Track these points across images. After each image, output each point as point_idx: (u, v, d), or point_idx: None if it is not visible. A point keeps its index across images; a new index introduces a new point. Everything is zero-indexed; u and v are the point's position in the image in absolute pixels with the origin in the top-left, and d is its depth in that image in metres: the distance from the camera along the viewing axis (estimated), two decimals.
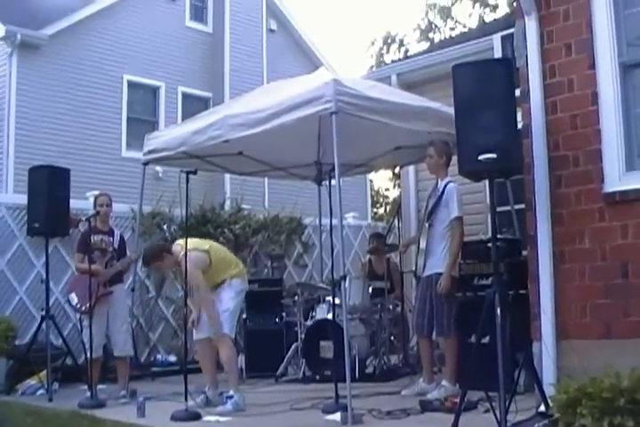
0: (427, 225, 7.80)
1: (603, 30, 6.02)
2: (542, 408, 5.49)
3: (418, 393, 7.50)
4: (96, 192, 9.65)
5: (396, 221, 9.58)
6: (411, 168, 11.85)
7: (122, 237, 8.83)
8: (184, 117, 17.23)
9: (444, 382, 7.41)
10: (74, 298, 8.41)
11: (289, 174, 10.98)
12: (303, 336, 9.42)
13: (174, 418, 6.71)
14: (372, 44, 37.01)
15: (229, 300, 7.60)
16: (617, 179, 5.87)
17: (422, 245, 7.82)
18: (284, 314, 10.16)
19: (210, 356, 7.72)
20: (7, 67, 16.87)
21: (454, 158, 6.36)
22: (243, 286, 7.84)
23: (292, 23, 22.61)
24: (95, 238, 8.46)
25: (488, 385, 5.55)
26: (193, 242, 7.53)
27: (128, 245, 8.92)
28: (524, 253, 7.10)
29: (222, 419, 6.69)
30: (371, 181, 26.03)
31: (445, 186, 7.64)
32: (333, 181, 7.27)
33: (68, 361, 9.20)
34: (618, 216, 5.80)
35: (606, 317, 5.76)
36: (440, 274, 7.48)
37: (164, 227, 11.47)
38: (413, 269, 8.12)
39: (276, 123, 7.51)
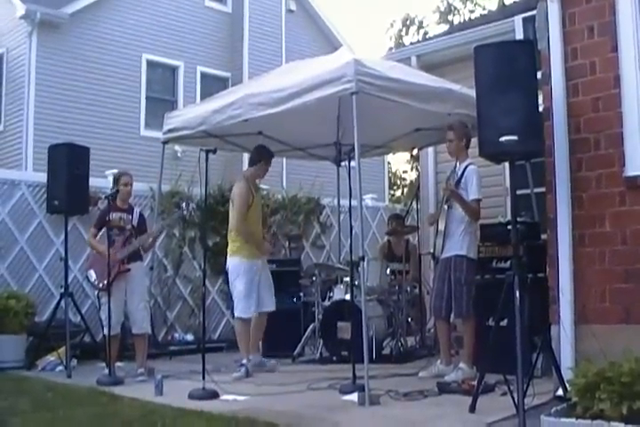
0: (445, 207, 7.77)
1: (626, 13, 5.98)
2: (560, 392, 5.51)
3: (435, 375, 7.51)
4: (115, 171, 9.66)
5: (415, 203, 9.57)
6: (430, 150, 11.83)
7: (141, 215, 8.79)
8: (202, 97, 17.25)
9: (461, 365, 7.41)
10: (92, 275, 8.45)
11: (308, 155, 10.98)
12: (321, 317, 9.45)
13: (192, 396, 6.74)
14: (391, 25, 37.05)
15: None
16: (638, 162, 5.83)
17: (441, 226, 7.80)
18: (301, 294, 10.17)
19: None
20: (27, 45, 16.95)
21: (474, 140, 6.32)
22: None
23: (311, 4, 22.54)
24: (114, 216, 8.46)
25: (506, 368, 5.55)
26: None
27: (147, 223, 8.92)
28: (543, 236, 7.09)
29: (239, 398, 6.72)
30: (388, 163, 25.96)
31: (465, 168, 7.61)
32: (353, 162, 7.25)
33: (87, 338, 9.28)
34: (639, 200, 5.77)
35: (626, 301, 5.75)
36: (459, 256, 7.48)
37: (183, 205, 11.49)
38: (431, 250, 8.11)
39: (296, 102, 7.51)
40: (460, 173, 7.63)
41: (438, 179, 11.68)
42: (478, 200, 7.53)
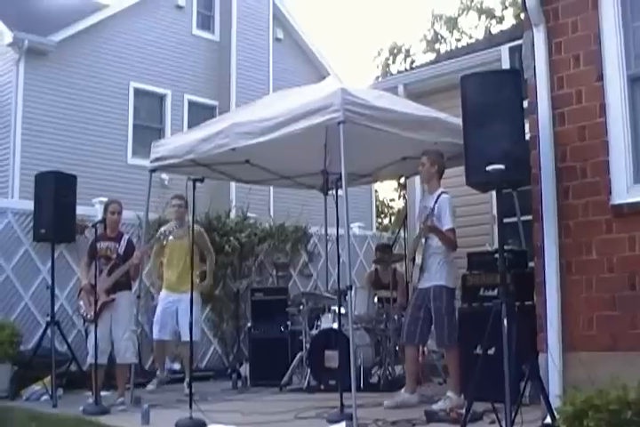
0: (422, 240, 7.74)
1: (611, 42, 6.04)
2: (548, 420, 5.47)
3: (400, 404, 7.50)
4: (103, 199, 9.64)
5: (402, 231, 9.56)
6: (417, 178, 11.81)
7: (129, 242, 8.72)
8: (190, 125, 17.29)
9: (449, 393, 7.36)
10: (82, 306, 8.46)
11: (295, 183, 10.98)
12: (308, 345, 9.42)
13: (179, 426, 6.67)
14: (379, 54, 37.22)
15: None
16: (625, 191, 5.87)
17: (418, 260, 7.76)
18: (288, 323, 10.13)
19: None
20: (14, 73, 16.95)
21: (461, 169, 6.31)
22: None
23: (298, 32, 22.64)
24: (102, 245, 8.45)
25: (494, 396, 5.54)
26: None
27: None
28: (531, 264, 7.09)
29: None
30: (376, 191, 26.00)
31: (438, 197, 7.61)
32: (340, 191, 7.25)
33: (73, 367, 9.21)
34: (625, 228, 5.79)
35: (613, 329, 5.75)
36: (437, 286, 7.45)
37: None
38: (410, 280, 8.08)
39: (283, 132, 7.50)
40: (433, 203, 7.63)
41: None
42: (453, 230, 7.53)
